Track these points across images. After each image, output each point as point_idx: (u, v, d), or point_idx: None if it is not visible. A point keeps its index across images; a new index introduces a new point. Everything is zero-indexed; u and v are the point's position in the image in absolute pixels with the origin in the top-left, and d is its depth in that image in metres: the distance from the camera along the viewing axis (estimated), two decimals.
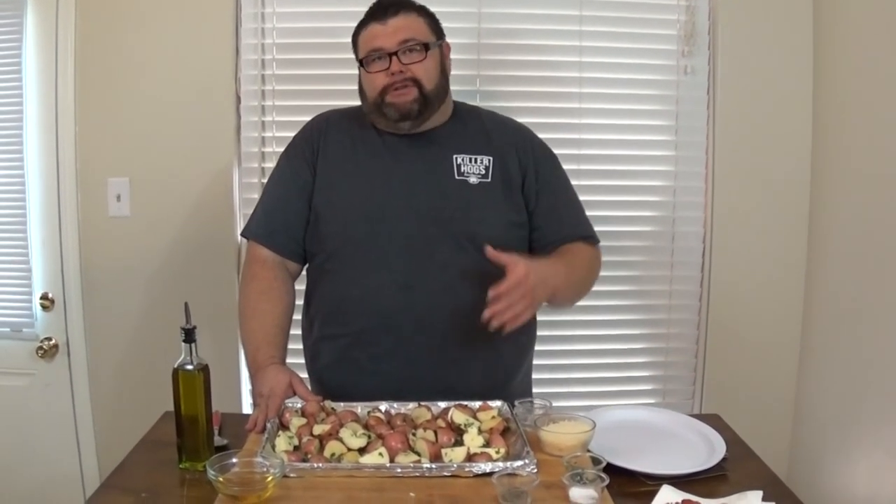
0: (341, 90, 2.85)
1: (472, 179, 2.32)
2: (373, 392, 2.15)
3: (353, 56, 2.42)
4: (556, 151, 2.49)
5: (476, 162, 2.34)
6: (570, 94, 3.10)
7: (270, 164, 3.02)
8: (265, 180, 2.97)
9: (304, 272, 2.47)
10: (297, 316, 2.46)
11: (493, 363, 2.33)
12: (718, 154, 3.10)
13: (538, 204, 2.37)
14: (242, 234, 2.49)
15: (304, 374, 2.38)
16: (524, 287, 2.01)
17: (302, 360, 2.46)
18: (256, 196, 3.00)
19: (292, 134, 2.51)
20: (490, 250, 2.05)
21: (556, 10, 3.07)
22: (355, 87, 2.44)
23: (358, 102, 2.43)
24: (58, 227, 3.06)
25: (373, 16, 2.30)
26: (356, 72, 2.42)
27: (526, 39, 3.08)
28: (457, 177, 2.32)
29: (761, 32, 3.06)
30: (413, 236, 2.27)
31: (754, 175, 3.10)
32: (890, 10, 2.51)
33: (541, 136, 2.51)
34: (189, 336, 1.90)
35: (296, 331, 2.45)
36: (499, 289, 2.00)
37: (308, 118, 2.51)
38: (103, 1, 2.98)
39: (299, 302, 2.45)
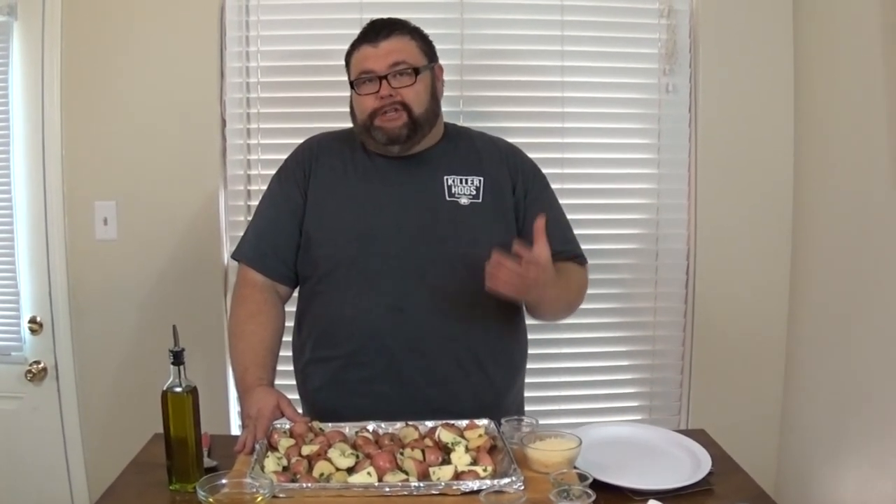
0: (326, 112, 2.90)
1: (463, 200, 2.33)
2: (364, 413, 2.14)
3: (337, 78, 2.43)
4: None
5: (467, 183, 2.35)
6: (552, 113, 3.12)
7: (256, 187, 3.05)
8: (251, 203, 3.01)
9: (295, 294, 2.48)
10: (289, 338, 2.47)
11: (484, 384, 2.33)
12: (701, 170, 3.12)
13: (526, 223, 2.36)
14: (233, 257, 2.49)
15: (295, 396, 2.38)
16: (534, 272, 2.02)
17: (293, 382, 2.47)
18: (243, 218, 3.03)
19: (278, 156, 2.53)
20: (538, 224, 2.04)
21: (539, 31, 3.09)
22: (340, 109, 2.46)
23: (345, 124, 2.44)
24: (45, 251, 3.06)
25: (365, 37, 2.31)
26: (341, 94, 2.44)
27: (509, 60, 3.10)
28: (447, 198, 2.33)
29: (742, 50, 3.08)
30: (404, 258, 2.28)
31: (737, 191, 3.13)
32: (870, 26, 2.54)
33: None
34: (177, 358, 1.90)
35: (287, 353, 2.46)
36: (525, 257, 2.00)
37: (293, 140, 2.53)
38: (89, 25, 2.99)
39: (290, 324, 2.46)
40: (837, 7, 2.80)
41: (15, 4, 2.97)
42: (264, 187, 2.50)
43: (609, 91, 3.14)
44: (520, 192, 2.39)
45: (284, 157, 2.50)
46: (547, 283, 2.09)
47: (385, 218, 2.31)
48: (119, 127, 3.03)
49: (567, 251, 2.41)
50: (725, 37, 3.08)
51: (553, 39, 3.10)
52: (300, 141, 2.52)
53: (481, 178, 2.37)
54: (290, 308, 2.47)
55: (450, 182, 2.35)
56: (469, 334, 2.26)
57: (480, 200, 2.35)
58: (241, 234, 2.48)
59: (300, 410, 2.27)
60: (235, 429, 3.07)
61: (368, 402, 2.26)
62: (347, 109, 2.38)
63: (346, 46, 2.37)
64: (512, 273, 2.02)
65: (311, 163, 2.41)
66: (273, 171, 2.49)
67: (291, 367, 2.49)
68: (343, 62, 2.38)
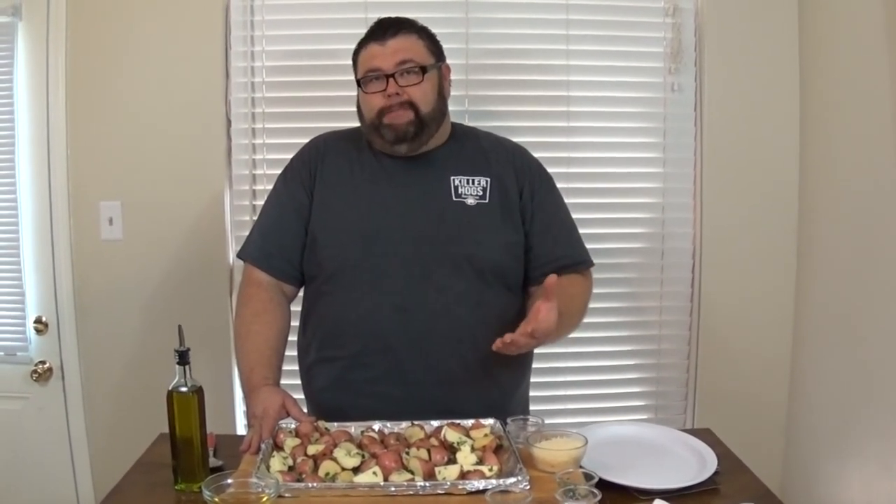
0: (331, 112, 2.90)
1: (470, 201, 2.33)
2: (370, 414, 2.14)
3: (342, 78, 2.44)
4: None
5: (473, 183, 2.35)
6: (558, 112, 3.12)
7: (261, 187, 3.06)
8: (257, 202, 3.02)
9: (301, 294, 2.48)
10: (294, 338, 2.46)
11: (489, 384, 2.33)
12: (706, 170, 3.12)
13: (532, 225, 2.37)
14: (238, 256, 2.48)
15: (301, 396, 2.38)
16: (537, 338, 2.05)
17: (298, 382, 2.47)
18: (248, 218, 3.03)
19: (283, 156, 2.53)
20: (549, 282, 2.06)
21: (544, 30, 3.09)
22: (345, 108, 2.46)
23: (350, 124, 2.44)
24: (51, 251, 3.06)
25: (372, 35, 2.31)
26: (346, 93, 2.44)
27: (514, 59, 3.10)
28: (454, 199, 2.33)
29: (747, 49, 3.08)
30: (410, 259, 2.27)
31: (742, 190, 3.12)
32: (875, 25, 2.54)
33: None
34: (183, 358, 1.91)
35: (293, 352, 2.46)
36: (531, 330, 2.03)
37: (298, 140, 2.52)
38: (93, 25, 2.99)
39: (295, 323, 2.46)
40: (842, 5, 2.80)
41: (20, 5, 2.97)
42: (269, 187, 2.51)
43: (614, 90, 3.14)
44: (526, 193, 2.39)
45: (289, 156, 2.50)
46: (552, 334, 2.10)
47: (391, 218, 2.31)
48: (124, 127, 3.03)
49: (571, 257, 2.41)
50: (731, 35, 3.08)
51: (558, 39, 3.09)
52: (305, 140, 2.52)
53: (488, 179, 2.36)
54: (296, 308, 2.47)
55: (456, 182, 2.34)
56: (475, 335, 2.25)
57: (487, 201, 2.34)
58: (247, 233, 2.48)
59: (305, 410, 2.27)
60: (241, 428, 3.08)
61: (374, 402, 2.26)
62: (353, 109, 2.38)
63: (351, 46, 2.37)
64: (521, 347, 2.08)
65: (317, 163, 2.41)
66: (278, 171, 2.49)
67: (296, 367, 2.49)
68: (348, 61, 2.38)
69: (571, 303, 2.28)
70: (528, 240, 2.38)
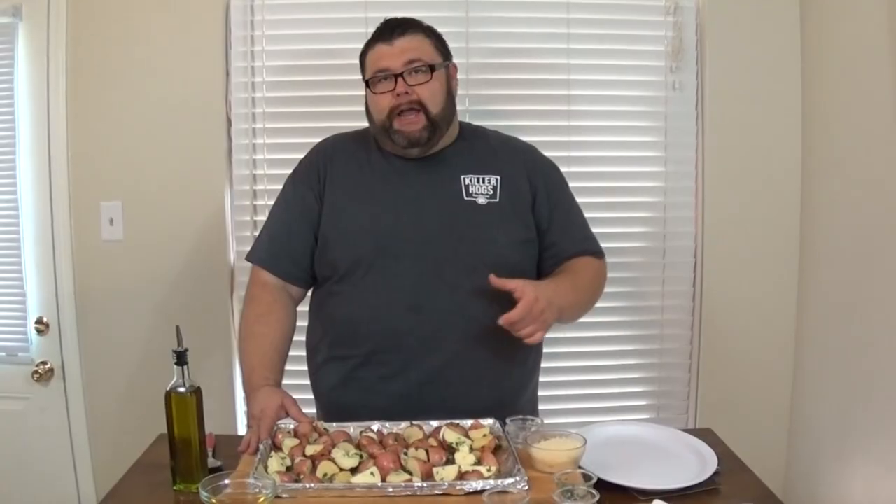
0: (332, 112, 2.91)
1: (481, 200, 2.33)
2: (380, 412, 2.15)
3: (342, 77, 2.45)
4: None
5: (484, 182, 2.35)
6: (559, 111, 3.11)
7: (262, 187, 3.05)
8: (257, 202, 3.02)
9: (308, 295, 2.48)
10: (301, 338, 2.46)
11: (500, 383, 2.33)
12: (708, 168, 3.11)
13: (552, 221, 2.38)
14: (247, 259, 2.48)
15: (308, 396, 2.39)
16: (535, 312, 2.05)
17: (307, 382, 2.47)
18: (249, 218, 3.03)
19: (284, 156, 2.54)
20: (494, 279, 2.08)
21: (544, 29, 3.08)
22: (345, 108, 2.48)
23: (352, 123, 2.45)
24: (51, 251, 3.07)
25: (380, 36, 2.31)
26: (346, 93, 2.46)
27: (514, 58, 3.10)
28: (465, 198, 2.33)
29: (748, 47, 3.07)
30: (422, 258, 2.27)
31: (744, 188, 3.12)
32: (877, 21, 2.53)
33: None
34: (181, 359, 1.91)
35: (301, 352, 2.46)
36: (511, 316, 2.03)
37: (299, 140, 2.53)
38: (93, 25, 3.00)
39: (303, 324, 2.46)
40: (844, 3, 2.79)
41: (20, 5, 2.98)
42: (270, 187, 2.53)
43: (615, 89, 3.13)
44: (541, 191, 2.39)
45: (290, 156, 2.51)
46: (552, 299, 2.11)
47: (403, 219, 2.31)
48: (124, 127, 3.04)
49: (587, 250, 2.43)
50: (732, 33, 3.07)
51: (559, 37, 3.09)
52: (306, 140, 2.53)
53: (498, 177, 2.36)
54: (303, 308, 2.47)
55: (467, 182, 2.34)
56: (487, 333, 2.24)
57: (498, 199, 2.34)
58: (248, 233, 2.50)
59: (313, 410, 2.27)
60: (242, 429, 3.07)
61: (385, 400, 2.26)
62: (353, 108, 2.41)
63: (351, 45, 2.38)
64: (522, 326, 2.07)
65: (325, 165, 2.41)
66: (279, 171, 2.51)
67: (305, 367, 2.49)
68: (348, 61, 2.39)
69: (576, 282, 2.33)
70: (548, 236, 2.39)
